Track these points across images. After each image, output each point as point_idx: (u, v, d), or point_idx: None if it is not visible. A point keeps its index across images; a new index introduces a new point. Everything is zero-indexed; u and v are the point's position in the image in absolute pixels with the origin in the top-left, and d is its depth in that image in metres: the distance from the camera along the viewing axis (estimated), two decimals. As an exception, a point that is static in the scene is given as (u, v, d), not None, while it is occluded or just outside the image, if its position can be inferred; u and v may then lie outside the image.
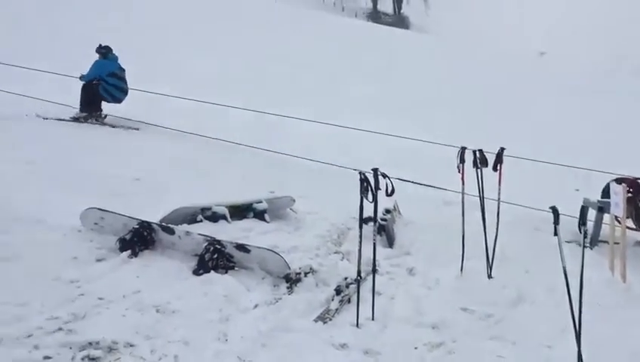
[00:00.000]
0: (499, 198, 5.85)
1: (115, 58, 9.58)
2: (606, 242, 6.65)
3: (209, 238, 5.30)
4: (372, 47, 28.82)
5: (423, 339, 4.48)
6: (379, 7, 62.06)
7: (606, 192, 6.90)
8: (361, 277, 4.75)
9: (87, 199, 6.26)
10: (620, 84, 28.07)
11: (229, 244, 5.24)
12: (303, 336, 4.24)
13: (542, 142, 13.28)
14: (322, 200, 7.66)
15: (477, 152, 5.60)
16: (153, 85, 11.32)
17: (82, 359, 3.68)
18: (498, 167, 5.65)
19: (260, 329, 4.25)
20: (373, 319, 4.65)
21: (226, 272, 5.07)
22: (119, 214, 5.57)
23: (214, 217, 6.29)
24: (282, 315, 4.51)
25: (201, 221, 6.22)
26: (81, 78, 9.63)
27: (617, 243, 6.09)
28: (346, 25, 37.74)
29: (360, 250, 4.65)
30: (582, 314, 3.99)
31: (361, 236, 4.66)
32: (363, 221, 4.69)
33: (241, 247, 5.22)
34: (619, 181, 6.73)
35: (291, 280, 5.05)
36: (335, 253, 5.97)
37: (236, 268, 5.19)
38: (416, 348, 4.35)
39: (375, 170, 4.50)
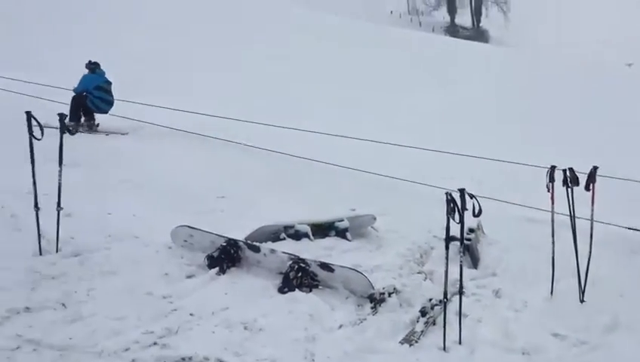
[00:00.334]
0: (592, 218, 5.59)
1: (103, 73, 10.23)
2: None
3: (293, 257, 5.39)
4: (450, 61, 28.46)
5: (513, 365, 4.34)
6: (456, 21, 61.34)
7: None
8: (447, 299, 4.67)
9: (176, 216, 6.54)
10: None
11: (313, 263, 5.30)
12: (390, 359, 4.22)
13: (636, 158, 12.60)
14: (402, 218, 7.60)
15: (567, 171, 5.39)
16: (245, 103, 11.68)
17: (176, 374, 3.82)
18: (591, 187, 5.41)
19: (346, 350, 4.26)
20: (460, 343, 4.55)
21: (310, 291, 5.12)
22: (207, 232, 5.76)
23: (297, 235, 6.39)
24: (367, 336, 4.50)
25: (284, 239, 6.34)
26: (74, 90, 10.31)
27: None
28: (423, 39, 37.49)
29: (447, 271, 4.57)
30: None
31: (447, 257, 4.58)
32: (447, 240, 4.62)
33: (325, 266, 5.26)
34: None
35: (375, 301, 5.03)
36: (418, 272, 5.90)
37: (320, 287, 5.23)
38: (506, 374, 4.22)
39: (462, 191, 4.43)
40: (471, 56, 32.00)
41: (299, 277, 5.15)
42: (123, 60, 16.59)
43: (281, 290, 5.11)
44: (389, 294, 5.11)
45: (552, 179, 5.46)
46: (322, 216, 6.83)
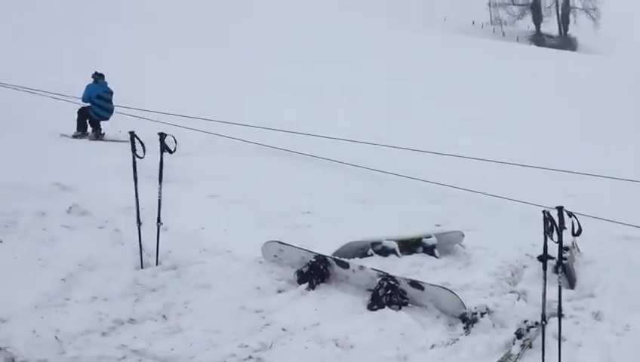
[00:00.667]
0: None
1: (105, 83, 11.14)
2: None
3: (382, 273, 5.37)
4: (538, 71, 27.58)
5: (618, 393, 4.12)
6: (542, 29, 59.34)
7: None
8: (545, 322, 4.50)
9: (264, 231, 6.73)
10: None
11: (403, 280, 5.27)
12: (487, 381, 4.12)
13: None
14: (490, 235, 7.42)
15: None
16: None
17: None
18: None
19: (440, 371, 4.20)
20: (559, 368, 4.37)
21: (400, 308, 5.08)
22: (297, 247, 5.86)
23: (384, 251, 6.37)
24: (461, 357, 4.42)
25: (371, 255, 6.33)
26: (82, 98, 11.31)
27: None
28: (507, 49, 36.61)
29: (545, 293, 4.41)
30: None
31: (545, 277, 4.43)
32: (541, 259, 4.46)
33: (415, 284, 5.22)
34: None
35: (467, 321, 4.93)
36: (510, 292, 5.73)
37: (409, 305, 5.19)
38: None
39: (560, 208, 4.28)
40: (557, 66, 30.90)
41: (388, 295, 5.13)
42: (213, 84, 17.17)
43: (371, 307, 5.11)
44: (482, 314, 4.99)
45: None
46: (408, 232, 6.79)
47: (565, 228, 4.28)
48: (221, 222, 7.05)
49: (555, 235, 4.21)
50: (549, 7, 60.99)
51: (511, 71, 26.69)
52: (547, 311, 4.87)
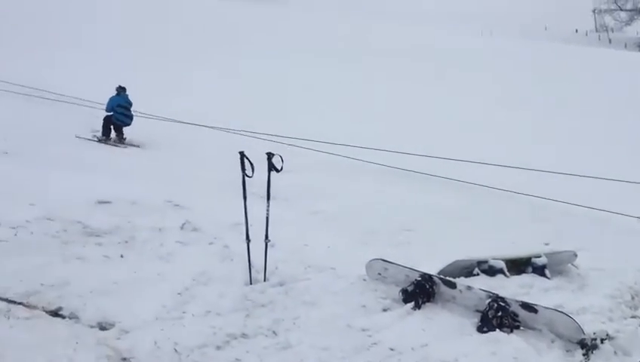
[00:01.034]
0: None
1: (126, 96, 12.59)
2: None
3: (492, 294, 5.21)
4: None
5: None
6: (652, 34, 55.73)
7: None
8: (675, 351, 4.19)
9: (366, 248, 6.75)
10: None
11: (514, 302, 5.08)
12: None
13: None
14: (605, 254, 7.03)
15: None
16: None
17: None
18: None
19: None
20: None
21: (512, 332, 4.91)
22: (401, 266, 5.81)
23: (491, 271, 6.18)
24: (583, 385, 4.19)
25: (477, 274, 6.16)
26: (105, 109, 12.71)
27: None
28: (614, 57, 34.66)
29: (674, 320, 4.11)
30: None
31: (674, 304, 4.12)
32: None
33: (528, 306, 5.02)
34: None
35: (587, 347, 4.67)
36: (631, 317, 5.38)
37: (521, 328, 4.99)
38: None
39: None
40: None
41: (499, 317, 4.97)
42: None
43: (481, 329, 4.96)
44: (602, 340, 4.72)
45: None
46: (516, 251, 6.55)
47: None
48: (324, 238, 7.14)
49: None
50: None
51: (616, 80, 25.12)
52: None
